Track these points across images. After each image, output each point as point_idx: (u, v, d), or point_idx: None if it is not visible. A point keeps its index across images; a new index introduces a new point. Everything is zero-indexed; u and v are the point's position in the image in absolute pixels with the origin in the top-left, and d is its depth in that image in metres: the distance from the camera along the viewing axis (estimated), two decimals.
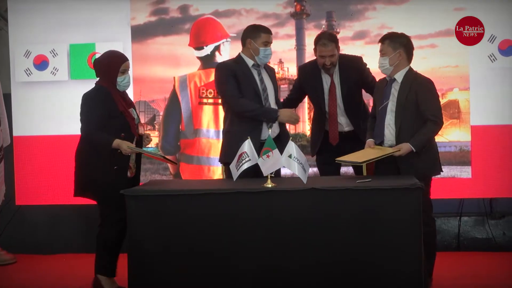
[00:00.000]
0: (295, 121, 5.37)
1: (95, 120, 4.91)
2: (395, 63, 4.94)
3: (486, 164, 6.37)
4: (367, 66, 5.58)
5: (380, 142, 5.00)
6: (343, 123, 5.51)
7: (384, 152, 4.81)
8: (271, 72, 5.48)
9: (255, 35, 5.23)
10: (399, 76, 4.96)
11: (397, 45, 4.96)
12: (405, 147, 4.80)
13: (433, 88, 4.98)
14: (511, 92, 6.35)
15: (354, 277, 4.28)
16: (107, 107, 4.93)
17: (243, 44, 5.34)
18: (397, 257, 4.25)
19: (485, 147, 6.38)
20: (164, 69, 6.75)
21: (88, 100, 5.00)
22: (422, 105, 4.87)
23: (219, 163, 5.64)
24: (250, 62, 5.29)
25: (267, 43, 5.23)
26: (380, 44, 5.03)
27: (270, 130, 4.68)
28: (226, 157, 5.21)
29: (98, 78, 5.07)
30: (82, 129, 4.98)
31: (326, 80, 5.47)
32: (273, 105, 5.33)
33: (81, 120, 4.98)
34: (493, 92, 6.37)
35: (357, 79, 5.48)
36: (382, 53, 4.99)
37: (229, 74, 5.24)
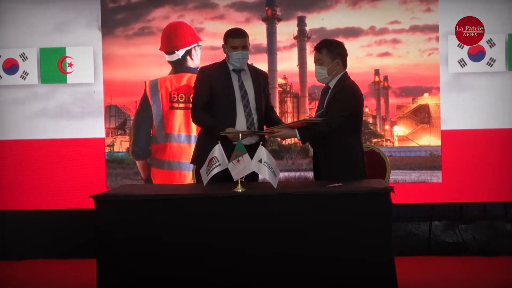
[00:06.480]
0: (233, 137, 4.85)
1: None
2: (333, 73, 4.93)
3: (456, 168, 6.42)
4: None
5: None
6: None
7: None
8: (258, 76, 5.22)
9: (225, 40, 5.09)
10: (333, 83, 4.95)
11: (335, 54, 4.91)
12: (290, 132, 4.82)
13: (349, 93, 4.89)
14: (481, 97, 6.41)
15: (326, 281, 4.28)
16: None
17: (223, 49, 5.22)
18: (369, 260, 4.24)
19: (455, 152, 6.43)
20: (135, 73, 6.72)
21: None
22: (330, 104, 4.88)
23: (191, 164, 5.38)
24: (230, 67, 5.13)
25: (236, 48, 5.04)
26: (315, 51, 4.96)
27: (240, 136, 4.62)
28: (198, 160, 5.06)
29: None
30: None
31: None
32: (253, 110, 5.11)
33: None
34: (463, 97, 6.42)
35: None
36: (320, 62, 4.92)
37: (203, 82, 5.10)
